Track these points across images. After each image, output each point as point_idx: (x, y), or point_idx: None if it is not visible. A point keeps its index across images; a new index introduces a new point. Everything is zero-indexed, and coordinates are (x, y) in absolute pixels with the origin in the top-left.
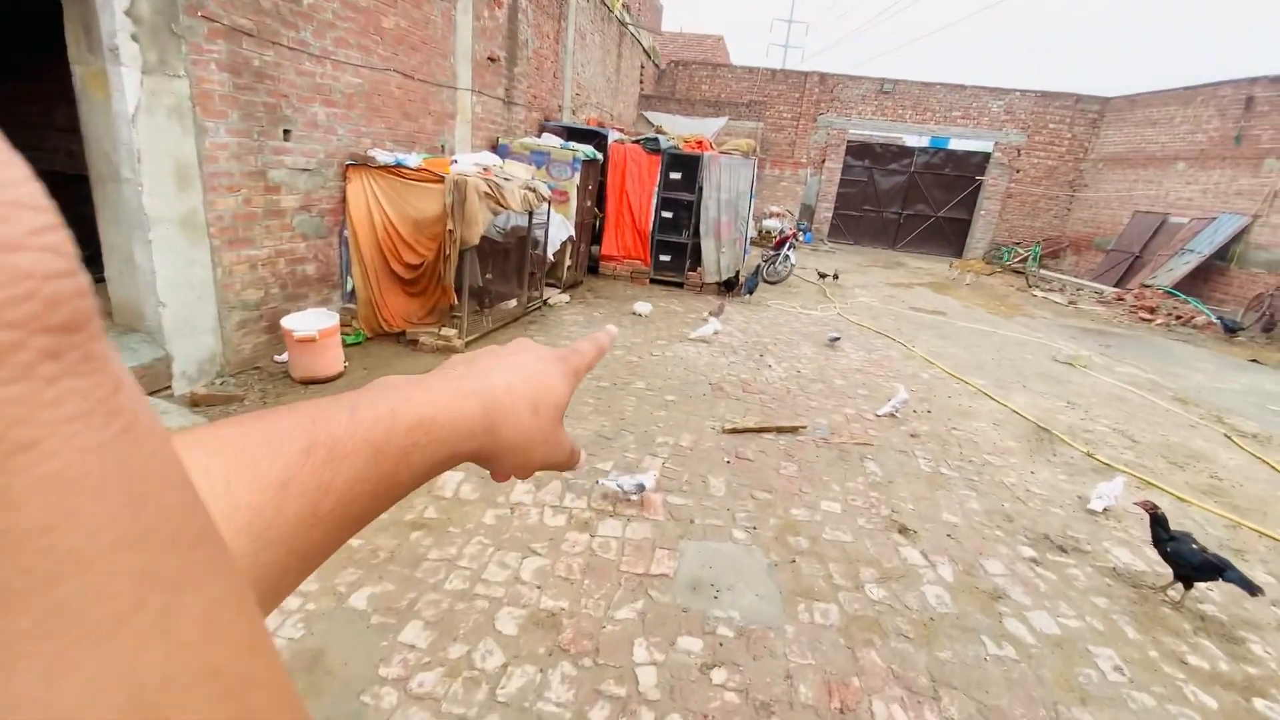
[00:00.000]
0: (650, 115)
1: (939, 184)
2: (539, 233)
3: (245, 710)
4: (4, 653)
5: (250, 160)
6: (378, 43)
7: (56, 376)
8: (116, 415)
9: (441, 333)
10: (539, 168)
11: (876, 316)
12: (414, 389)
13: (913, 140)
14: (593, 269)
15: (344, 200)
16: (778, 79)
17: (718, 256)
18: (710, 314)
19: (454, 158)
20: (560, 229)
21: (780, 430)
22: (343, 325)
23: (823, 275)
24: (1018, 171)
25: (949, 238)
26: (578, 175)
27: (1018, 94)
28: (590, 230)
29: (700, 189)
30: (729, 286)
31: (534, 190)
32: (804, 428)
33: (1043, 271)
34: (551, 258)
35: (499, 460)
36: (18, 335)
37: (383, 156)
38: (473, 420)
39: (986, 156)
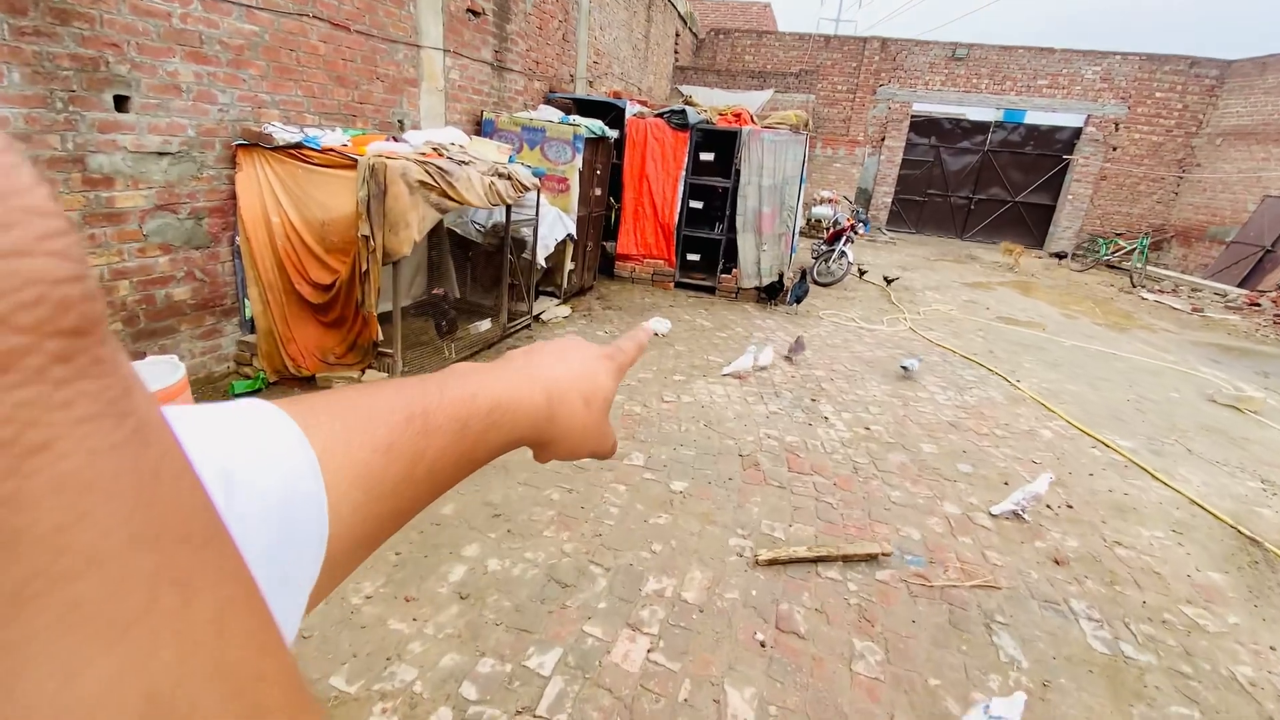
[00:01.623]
0: (686, 89)
1: (1017, 164)
2: (527, 231)
3: (257, 707)
4: (21, 651)
5: (52, 142)
6: None
7: (68, 379)
8: (127, 417)
9: (363, 378)
10: (532, 148)
11: (959, 332)
12: (488, 375)
13: (986, 114)
14: (607, 270)
15: (235, 196)
16: (832, 46)
17: (758, 256)
18: (787, 353)
19: (393, 136)
20: (556, 226)
21: (848, 559)
22: (240, 365)
23: (889, 280)
24: (1114, 149)
25: (1028, 226)
26: (580, 157)
27: (1117, 58)
28: (603, 224)
29: (737, 173)
30: (770, 293)
31: (510, 177)
32: (887, 555)
33: (1149, 268)
34: (543, 263)
35: (553, 446)
36: (29, 339)
37: (282, 133)
38: (538, 408)
39: (1077, 132)
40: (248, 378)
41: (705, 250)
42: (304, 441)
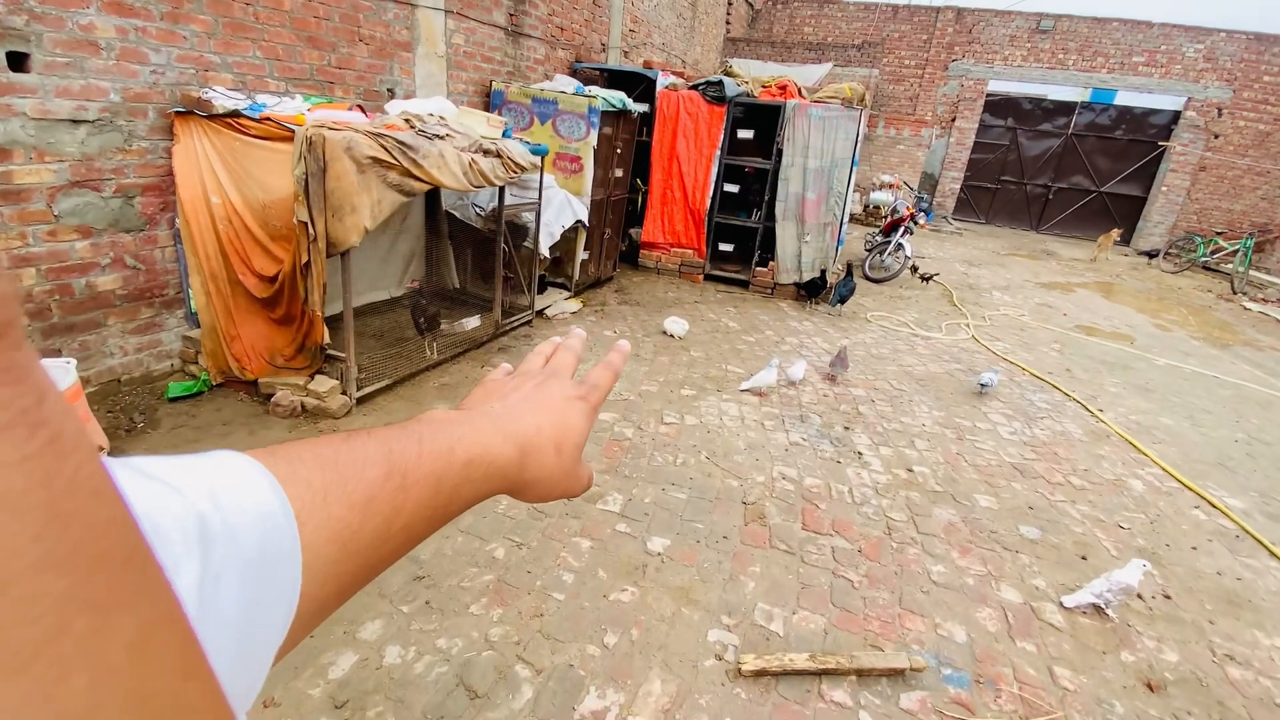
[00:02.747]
0: (736, 63)
1: (1105, 150)
2: (529, 216)
3: None
4: None
5: None
6: None
7: None
8: (40, 428)
9: (310, 386)
10: (543, 123)
11: (1031, 343)
12: (463, 427)
13: (1071, 94)
14: (631, 259)
15: (173, 171)
16: (900, 16)
17: (798, 247)
18: (828, 368)
19: (356, 107)
20: (564, 211)
21: (864, 675)
22: (186, 363)
23: (925, 278)
24: (1216, 137)
25: (1114, 220)
26: (595, 133)
27: (1222, 35)
28: (625, 209)
29: (779, 153)
30: (811, 290)
31: (499, 154)
32: (918, 670)
33: (1253, 273)
34: (546, 253)
35: (523, 493)
36: None
37: (222, 99)
38: (510, 462)
39: (1174, 116)
40: (191, 378)
41: (740, 240)
42: (282, 497)
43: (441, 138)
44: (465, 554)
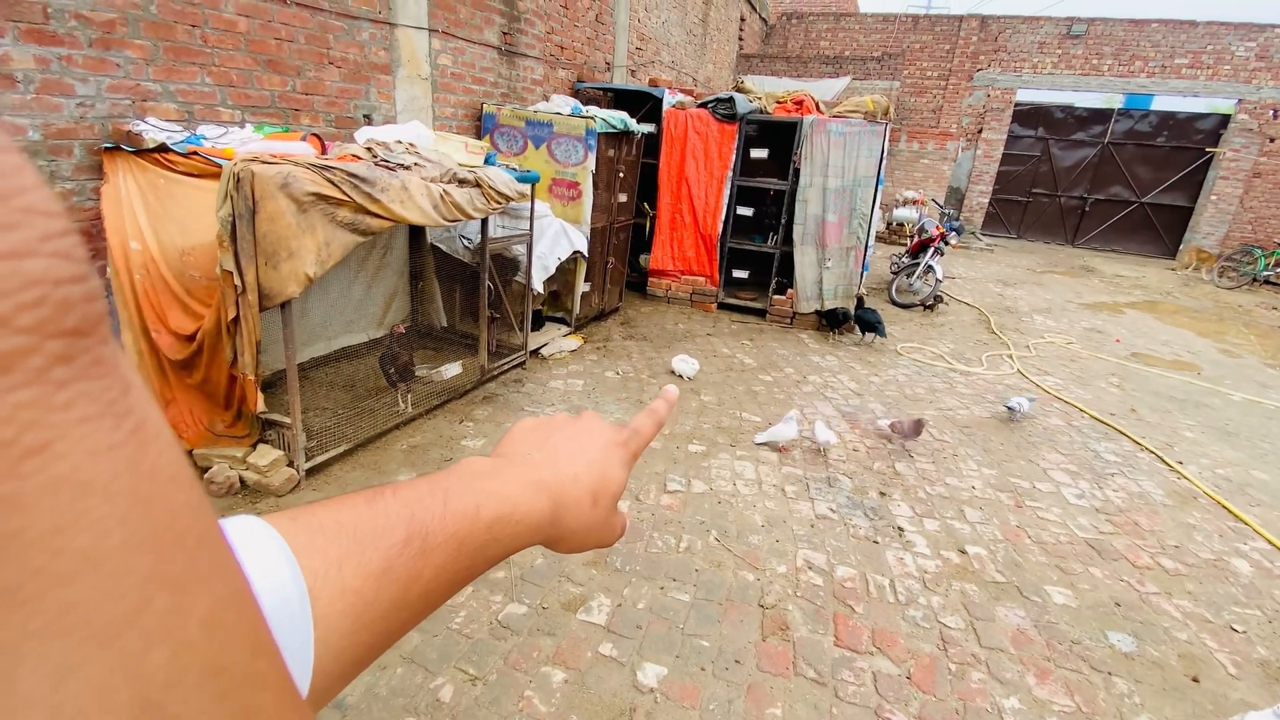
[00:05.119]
0: (750, 79)
1: (1145, 158)
2: (520, 249)
3: (249, 707)
4: (15, 652)
5: None
6: None
7: (68, 380)
8: (126, 417)
9: (249, 459)
10: (537, 147)
11: (1084, 376)
12: (493, 482)
13: (1105, 100)
14: (640, 287)
15: (100, 215)
16: (921, 27)
17: (819, 274)
18: (893, 433)
19: (313, 137)
20: (559, 241)
21: None
22: None
23: (928, 306)
24: (1271, 140)
25: (1157, 232)
26: (593, 156)
27: (1277, 32)
28: (630, 236)
29: (796, 172)
30: (834, 321)
31: (478, 184)
32: None
33: None
34: (540, 288)
35: (556, 545)
36: (31, 340)
37: (154, 131)
38: (542, 515)
39: (1223, 120)
40: None
41: (755, 266)
42: (296, 572)
43: (407, 168)
44: (403, 694)
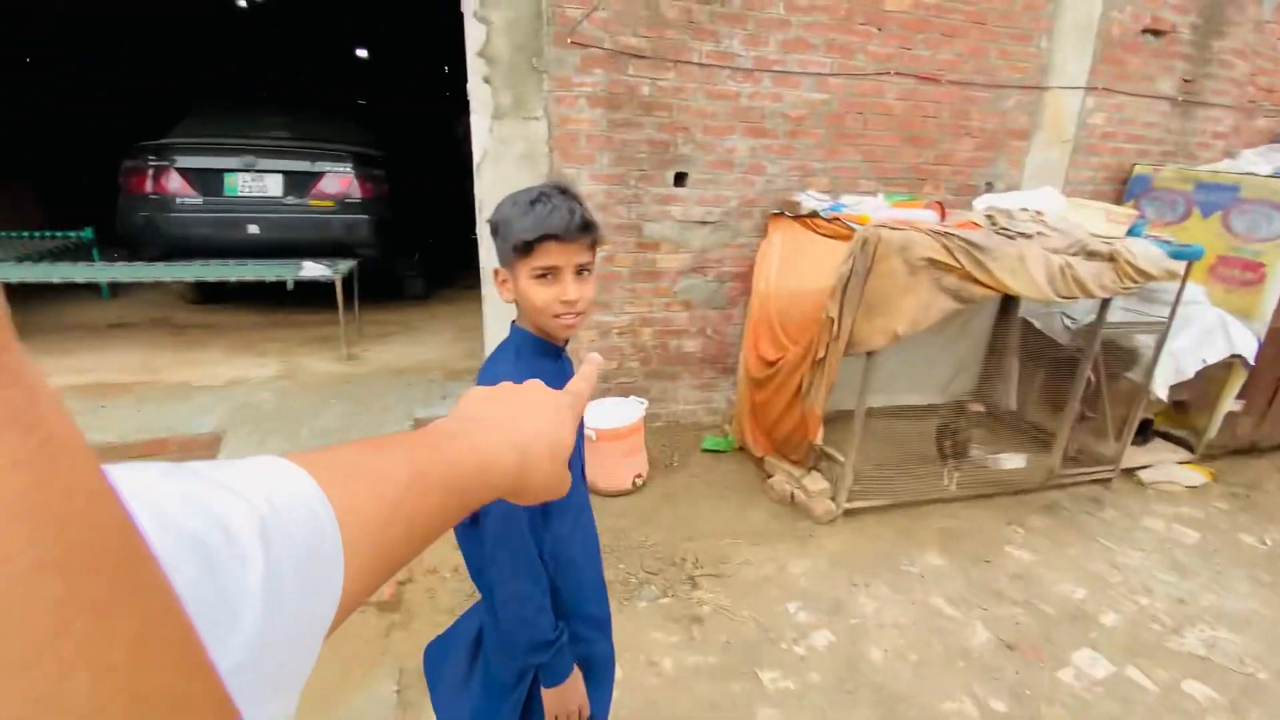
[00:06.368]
0: None
1: None
2: (1145, 339)
3: None
4: None
5: (620, 211)
6: (869, 36)
7: None
8: (33, 430)
9: (804, 480)
10: (1206, 215)
11: None
12: (476, 438)
13: None
14: None
15: (754, 263)
16: None
17: None
18: None
19: (933, 204)
20: (1211, 338)
21: None
22: (724, 422)
23: None
24: None
25: None
26: None
27: None
28: None
29: None
30: None
31: (1114, 258)
32: None
33: None
34: (1163, 394)
35: (520, 496)
36: None
37: (809, 200)
38: (513, 468)
39: None
40: (723, 435)
41: None
42: (324, 500)
43: (1028, 236)
44: None
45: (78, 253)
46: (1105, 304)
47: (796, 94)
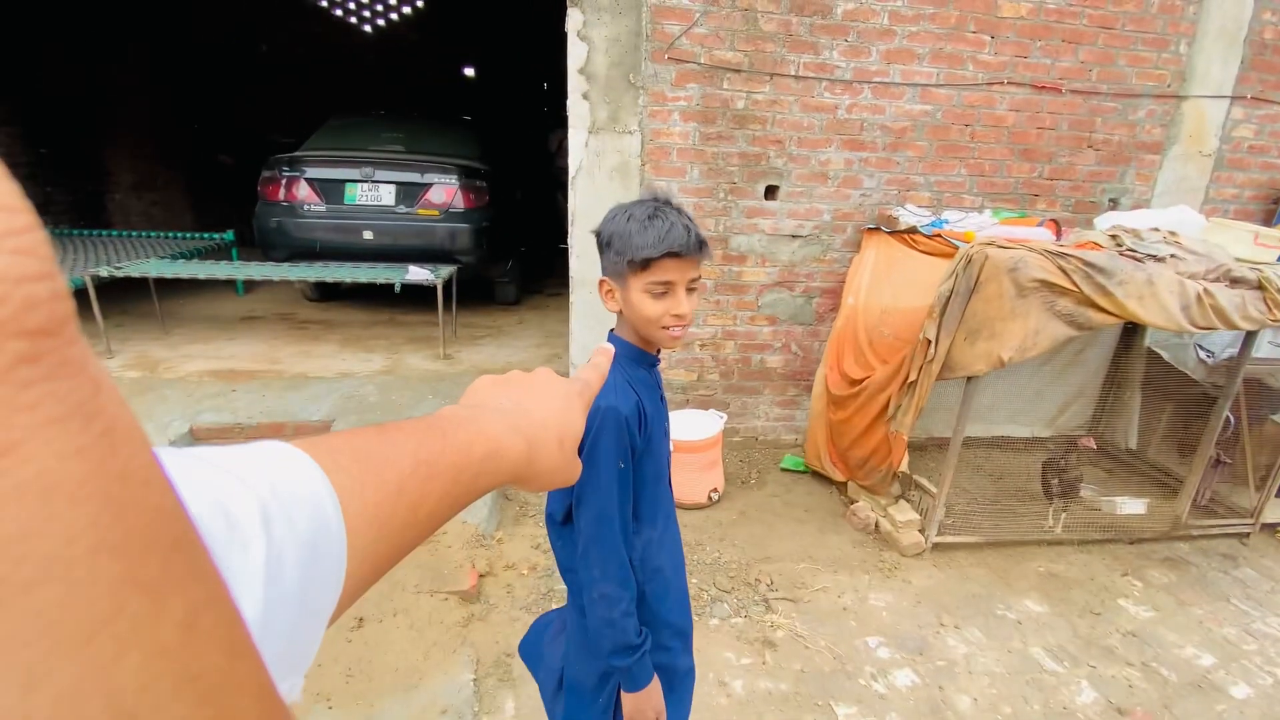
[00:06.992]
0: None
1: None
2: None
3: (226, 713)
4: None
5: (708, 224)
6: (981, 45)
7: (33, 380)
8: (95, 419)
9: (890, 509)
10: None
11: None
12: (483, 424)
13: None
14: None
15: (845, 279)
16: None
17: None
18: None
19: (1045, 222)
20: None
21: None
22: (803, 441)
23: None
24: None
25: None
26: None
27: None
28: None
29: None
30: None
31: (1263, 286)
32: None
33: None
34: None
35: (529, 483)
36: None
37: (908, 216)
38: (520, 455)
39: None
40: (802, 454)
41: None
42: (327, 484)
43: (1160, 259)
44: None
45: (220, 252)
46: (1249, 337)
47: (898, 105)
